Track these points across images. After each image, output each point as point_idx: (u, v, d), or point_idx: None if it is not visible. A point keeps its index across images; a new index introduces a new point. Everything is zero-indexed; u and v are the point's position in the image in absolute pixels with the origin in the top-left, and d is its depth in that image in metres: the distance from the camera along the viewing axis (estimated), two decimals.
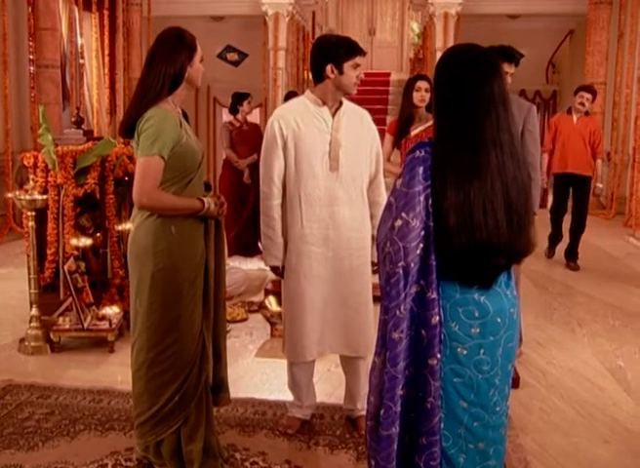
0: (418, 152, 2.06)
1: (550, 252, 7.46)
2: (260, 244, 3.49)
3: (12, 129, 8.50)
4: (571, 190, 7.10)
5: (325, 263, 3.21)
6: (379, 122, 14.52)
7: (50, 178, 4.59)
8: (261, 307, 4.99)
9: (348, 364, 3.43)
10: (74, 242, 4.63)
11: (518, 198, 2.04)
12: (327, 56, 3.13)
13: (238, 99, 7.21)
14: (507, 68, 4.23)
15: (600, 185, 7.41)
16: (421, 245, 2.00)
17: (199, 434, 2.89)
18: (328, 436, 3.37)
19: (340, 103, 3.21)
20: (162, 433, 2.84)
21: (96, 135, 10.09)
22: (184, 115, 7.02)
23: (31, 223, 4.35)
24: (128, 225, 4.33)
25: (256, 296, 5.84)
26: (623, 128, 10.26)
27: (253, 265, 6.94)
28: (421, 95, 4.89)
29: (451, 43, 10.79)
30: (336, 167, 3.16)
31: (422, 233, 2.00)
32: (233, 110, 7.34)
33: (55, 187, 4.60)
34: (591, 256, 7.78)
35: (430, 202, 2.00)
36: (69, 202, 4.62)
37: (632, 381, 4.12)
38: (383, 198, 3.33)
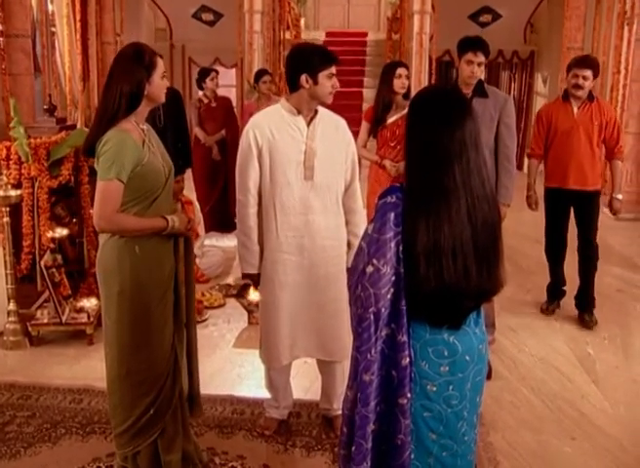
0: (389, 198, 2.08)
1: (549, 307, 5.25)
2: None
3: None
4: (571, 210, 5.07)
5: (300, 271, 3.25)
6: (356, 84, 14.42)
7: (24, 171, 4.55)
8: (239, 296, 5.04)
9: (324, 365, 3.50)
10: (50, 234, 4.62)
11: (488, 242, 2.08)
12: (301, 66, 3.11)
13: (201, 76, 7.11)
14: (477, 58, 4.22)
15: (620, 197, 5.06)
16: (392, 290, 2.04)
17: (177, 445, 2.96)
18: (305, 437, 3.46)
19: (316, 112, 3.21)
20: (139, 445, 2.90)
21: (69, 102, 10.02)
22: (176, 95, 6.89)
23: (6, 219, 4.33)
24: None
25: (232, 277, 5.89)
26: (599, 94, 10.25)
27: (230, 242, 6.97)
28: (402, 82, 4.86)
29: (428, 5, 10.68)
30: (310, 176, 3.17)
31: (393, 279, 2.04)
32: (199, 86, 7.26)
33: (29, 180, 4.56)
34: None
35: (401, 248, 2.03)
36: (44, 194, 4.59)
37: (600, 371, 4.25)
38: (359, 205, 3.37)
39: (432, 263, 2.01)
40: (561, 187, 4.95)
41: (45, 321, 4.46)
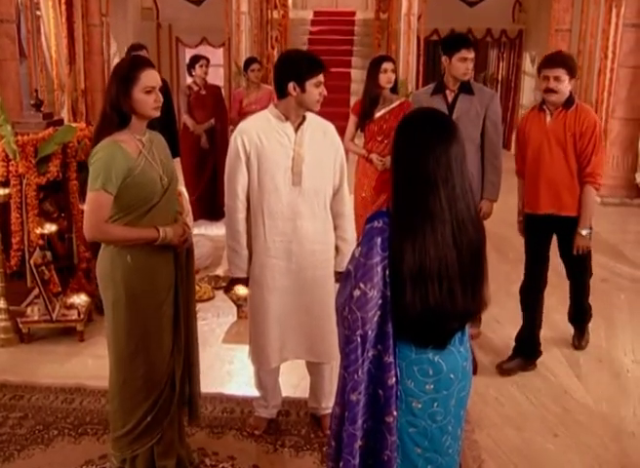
0: (376, 222, 2.11)
1: (505, 366, 4.27)
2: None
3: None
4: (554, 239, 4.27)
5: (288, 275, 3.29)
6: (344, 64, 14.33)
7: (11, 168, 4.54)
8: (228, 291, 5.07)
9: (313, 366, 3.56)
10: (39, 230, 4.63)
11: (473, 264, 2.12)
12: (289, 73, 3.13)
13: (191, 63, 7.07)
14: (470, 54, 4.26)
15: (585, 233, 4.05)
16: (379, 312, 2.09)
17: (173, 450, 3.03)
18: (293, 436, 3.53)
19: (304, 118, 3.23)
20: (137, 449, 2.96)
21: (56, 86, 9.94)
22: (163, 84, 6.90)
23: None
24: None
25: (221, 268, 5.92)
26: (587, 77, 10.29)
27: (218, 230, 7.00)
28: (388, 76, 4.89)
29: None
30: (298, 181, 3.20)
31: (380, 302, 2.08)
32: (189, 73, 7.23)
33: (17, 177, 4.56)
34: None
35: (387, 272, 2.07)
36: (32, 191, 4.59)
37: (583, 365, 4.34)
38: (348, 209, 3.40)
39: (418, 287, 2.06)
40: (534, 212, 4.18)
41: (35, 318, 4.49)
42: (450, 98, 4.34)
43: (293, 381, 4.02)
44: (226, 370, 4.23)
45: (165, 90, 6.60)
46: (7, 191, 4.37)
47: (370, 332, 2.09)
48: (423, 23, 11.62)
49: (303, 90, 3.10)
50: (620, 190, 8.50)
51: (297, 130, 3.20)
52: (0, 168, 4.53)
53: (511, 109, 14.60)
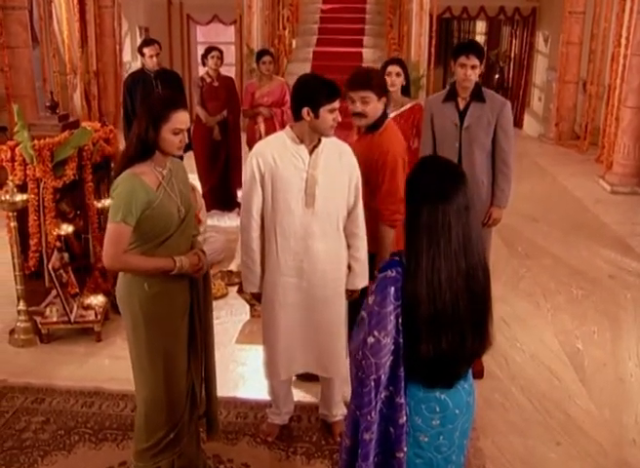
0: (389, 272, 2.19)
1: None
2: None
3: None
4: None
5: (299, 292, 3.38)
6: (356, 44, 14.13)
7: (29, 172, 4.63)
8: (241, 291, 5.18)
9: (323, 377, 3.67)
10: (56, 231, 4.74)
11: (482, 308, 2.22)
12: (304, 98, 3.18)
13: (205, 53, 7.10)
14: (470, 61, 4.23)
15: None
16: (391, 358, 2.19)
17: (192, 464, 3.18)
18: (305, 443, 3.66)
19: (319, 141, 3.28)
20: (158, 462, 3.10)
21: (68, 70, 9.99)
22: (177, 78, 6.90)
23: (13, 224, 4.45)
24: (108, 201, 4.34)
25: (234, 263, 6.02)
26: (600, 60, 10.24)
27: (231, 221, 7.13)
28: (391, 79, 4.91)
29: None
30: (311, 203, 3.27)
31: (392, 348, 2.18)
32: (202, 63, 7.27)
33: (34, 180, 4.66)
34: (562, 203, 8.06)
35: (400, 320, 2.17)
36: (49, 194, 4.69)
37: (588, 368, 4.44)
38: (361, 229, 3.45)
39: (433, 335, 2.16)
40: None
41: (54, 319, 4.62)
42: (461, 106, 4.37)
43: (304, 385, 4.13)
44: (240, 373, 4.35)
45: (178, 82, 6.69)
46: (25, 197, 4.47)
47: (383, 377, 2.20)
48: (436, 0, 11.51)
49: (317, 116, 3.15)
50: (631, 179, 8.50)
51: (311, 152, 3.26)
52: (18, 172, 4.62)
53: (523, 88, 14.54)
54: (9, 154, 4.65)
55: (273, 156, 3.25)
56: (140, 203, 2.75)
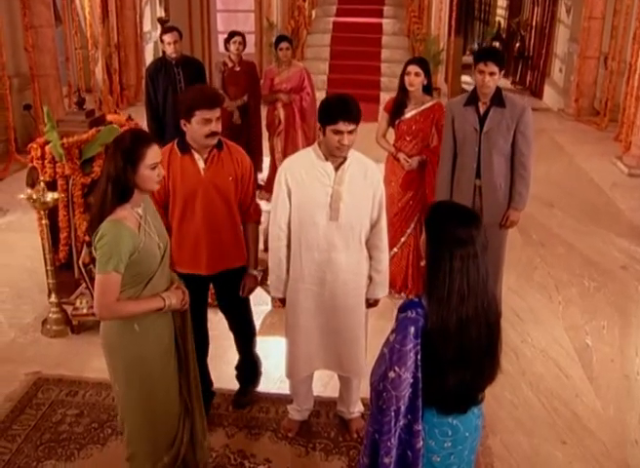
0: (409, 312, 2.36)
1: None
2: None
3: (6, 53, 8.45)
4: None
5: (320, 300, 3.56)
6: (376, 14, 14.08)
7: (58, 170, 4.81)
8: (263, 284, 5.35)
9: (342, 376, 3.87)
10: (85, 226, 4.93)
11: (495, 339, 2.41)
12: (319, 116, 3.35)
13: (227, 38, 7.18)
14: (488, 68, 4.30)
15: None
16: (410, 390, 2.39)
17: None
18: (324, 439, 3.89)
19: (345, 158, 3.40)
20: None
21: (90, 46, 10.08)
22: (199, 66, 6.91)
23: (45, 221, 4.65)
24: None
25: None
26: (622, 37, 10.16)
27: None
28: (410, 79, 4.99)
29: None
30: (336, 217, 3.42)
31: (412, 381, 2.37)
32: (225, 48, 7.34)
33: (63, 177, 4.84)
34: (578, 187, 8.13)
35: (419, 356, 2.35)
36: (78, 190, 4.88)
37: (596, 365, 4.61)
38: (384, 242, 3.60)
39: (459, 367, 2.35)
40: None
41: (84, 311, 4.84)
42: (482, 110, 4.46)
43: (324, 379, 4.33)
44: (262, 366, 4.54)
45: (200, 71, 6.76)
46: (56, 196, 4.65)
47: (403, 407, 2.40)
48: None
49: (324, 134, 3.31)
50: None
51: (337, 168, 3.40)
52: (48, 169, 4.81)
53: (544, 57, 14.41)
54: (39, 152, 4.83)
55: (301, 172, 3.41)
56: (127, 249, 2.74)
